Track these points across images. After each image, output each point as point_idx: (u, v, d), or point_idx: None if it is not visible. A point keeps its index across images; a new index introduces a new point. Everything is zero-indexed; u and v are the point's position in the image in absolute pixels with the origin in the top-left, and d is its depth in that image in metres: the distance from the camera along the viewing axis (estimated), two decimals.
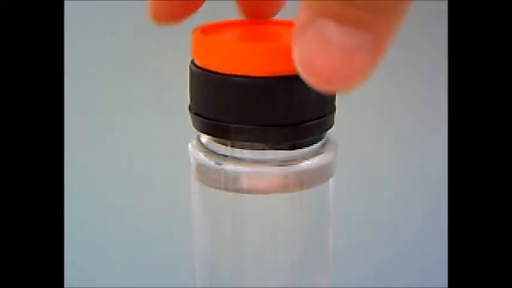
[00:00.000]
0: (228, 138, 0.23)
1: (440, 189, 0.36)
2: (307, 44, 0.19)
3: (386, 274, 0.53)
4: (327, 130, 0.24)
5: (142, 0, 0.25)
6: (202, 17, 0.25)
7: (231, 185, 0.23)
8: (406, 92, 0.53)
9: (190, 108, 0.24)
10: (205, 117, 0.23)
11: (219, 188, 0.24)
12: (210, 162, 0.24)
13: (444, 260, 0.24)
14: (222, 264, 0.25)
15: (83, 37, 0.48)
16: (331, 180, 0.24)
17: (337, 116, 0.24)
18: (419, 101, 0.53)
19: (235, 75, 0.22)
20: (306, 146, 0.23)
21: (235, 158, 0.23)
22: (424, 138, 0.54)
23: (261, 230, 0.24)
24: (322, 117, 0.23)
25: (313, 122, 0.23)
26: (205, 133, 0.23)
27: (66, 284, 0.25)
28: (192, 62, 0.23)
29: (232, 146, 0.23)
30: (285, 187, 0.24)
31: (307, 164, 0.23)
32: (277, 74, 0.22)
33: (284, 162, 0.23)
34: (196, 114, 0.23)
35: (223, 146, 0.23)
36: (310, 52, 0.19)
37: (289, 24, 0.25)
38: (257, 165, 0.23)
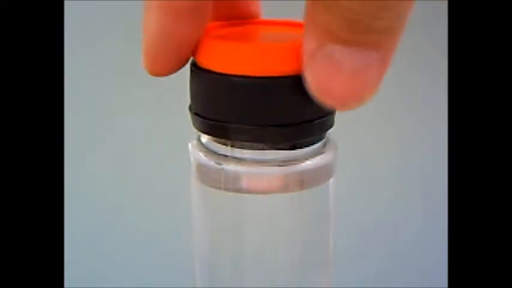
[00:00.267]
0: (228, 138, 0.23)
1: (440, 189, 0.36)
2: (319, 70, 0.20)
3: (386, 274, 0.53)
4: (327, 130, 0.24)
5: (142, 0, 0.25)
6: None
7: (231, 185, 0.23)
8: (406, 92, 0.53)
9: (190, 108, 0.24)
10: (206, 117, 0.23)
11: (219, 188, 0.24)
12: (210, 162, 0.24)
13: (444, 260, 0.24)
14: (222, 264, 0.25)
15: (83, 37, 0.48)
16: (331, 180, 0.24)
17: (337, 116, 0.24)
18: (419, 101, 0.53)
19: (236, 75, 0.22)
20: (306, 146, 0.23)
21: (235, 158, 0.23)
22: (424, 138, 0.54)
23: (261, 230, 0.24)
24: (323, 117, 0.23)
25: (314, 122, 0.23)
26: (205, 133, 0.23)
27: (66, 284, 0.25)
28: (192, 62, 0.23)
29: (232, 146, 0.23)
30: (285, 187, 0.24)
31: (307, 164, 0.23)
32: (278, 74, 0.22)
33: (284, 162, 0.23)
34: (196, 114, 0.23)
35: (224, 146, 0.23)
36: (324, 77, 0.20)
37: (289, 24, 0.25)
38: (257, 165, 0.23)
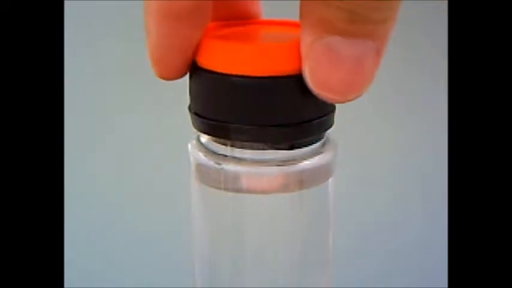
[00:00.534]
0: (228, 138, 0.23)
1: (440, 189, 0.36)
2: (318, 61, 0.20)
3: (386, 274, 0.53)
4: (326, 130, 0.24)
5: (142, 0, 0.25)
6: None
7: (231, 184, 0.23)
8: (406, 92, 0.53)
9: (190, 108, 0.24)
10: (205, 117, 0.23)
11: (219, 188, 0.24)
12: (209, 162, 0.23)
13: (444, 260, 0.24)
14: (222, 264, 0.25)
15: (83, 37, 0.48)
16: (330, 180, 0.24)
17: (337, 116, 0.24)
18: (419, 101, 0.53)
19: (235, 75, 0.22)
20: (306, 146, 0.23)
21: (235, 157, 0.23)
22: (424, 138, 0.54)
23: (261, 230, 0.24)
24: (322, 117, 0.23)
25: (313, 122, 0.23)
26: (205, 133, 0.23)
27: (66, 284, 0.25)
28: (192, 62, 0.23)
29: (232, 146, 0.23)
30: (284, 187, 0.24)
31: (306, 163, 0.23)
32: (277, 74, 0.22)
33: (284, 162, 0.23)
34: (196, 114, 0.23)
35: (223, 146, 0.23)
36: (323, 68, 0.21)
37: (289, 24, 0.25)
38: (257, 165, 0.23)
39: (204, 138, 0.24)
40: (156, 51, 0.23)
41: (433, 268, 0.45)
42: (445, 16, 0.23)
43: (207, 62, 0.23)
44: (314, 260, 0.25)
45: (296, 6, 0.22)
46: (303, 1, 0.20)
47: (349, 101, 0.21)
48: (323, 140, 0.24)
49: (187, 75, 0.24)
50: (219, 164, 0.23)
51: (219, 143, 0.23)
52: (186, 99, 0.24)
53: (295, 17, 0.25)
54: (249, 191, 0.23)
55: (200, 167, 0.24)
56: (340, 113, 0.24)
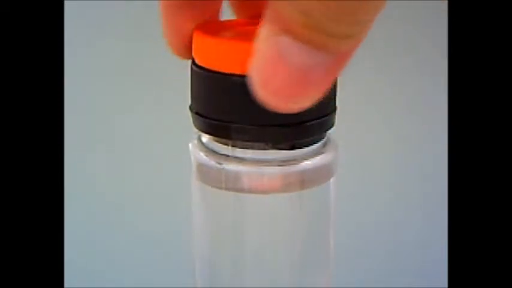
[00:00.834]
0: (229, 138, 0.23)
1: (440, 189, 0.36)
2: (265, 58, 0.19)
3: (386, 274, 0.53)
4: (327, 130, 0.24)
5: (142, 0, 0.25)
6: None
7: (232, 184, 0.23)
8: (406, 92, 0.53)
9: (191, 107, 0.24)
10: (206, 117, 0.23)
11: (220, 188, 0.24)
12: (210, 162, 0.24)
13: (444, 260, 0.24)
14: (222, 264, 0.25)
15: (83, 37, 0.48)
16: (331, 180, 0.24)
17: (338, 116, 0.24)
18: (419, 101, 0.53)
19: (236, 75, 0.22)
20: (307, 146, 0.23)
21: (236, 157, 0.23)
22: (424, 138, 0.54)
23: (261, 230, 0.24)
24: (323, 117, 0.23)
25: (314, 122, 0.23)
26: (206, 133, 0.23)
27: (66, 284, 0.25)
28: (193, 61, 0.23)
29: (233, 146, 0.23)
30: (285, 187, 0.24)
31: (307, 163, 0.23)
32: None
33: (285, 162, 0.23)
34: (197, 113, 0.23)
35: (224, 146, 0.23)
36: (267, 66, 0.19)
37: None
38: (258, 165, 0.23)
39: (205, 138, 0.24)
40: (165, 37, 0.25)
41: (433, 268, 0.45)
42: (445, 16, 0.23)
43: (208, 61, 0.23)
44: (314, 260, 0.25)
45: None
46: None
47: (291, 110, 0.20)
48: (324, 140, 0.24)
49: (187, 75, 0.24)
50: (220, 163, 0.23)
51: (220, 142, 0.23)
52: (186, 99, 0.24)
53: None
54: (250, 191, 0.23)
55: (201, 167, 0.24)
56: (341, 113, 0.24)
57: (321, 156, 0.24)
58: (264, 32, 0.19)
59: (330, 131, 0.24)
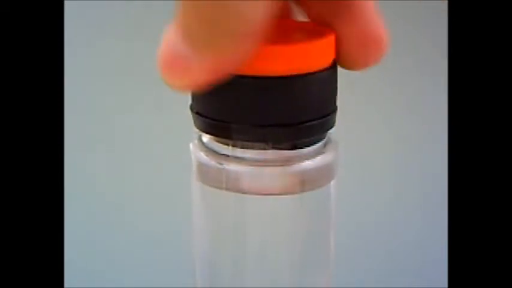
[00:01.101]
0: (230, 138, 0.23)
1: (440, 189, 0.36)
2: (163, 41, 0.21)
3: (386, 274, 0.53)
4: (328, 130, 0.24)
5: (142, 0, 0.25)
6: None
7: (232, 184, 0.23)
8: (406, 92, 0.53)
9: (191, 107, 0.24)
10: (207, 117, 0.23)
11: (220, 188, 0.23)
12: (211, 162, 0.23)
13: (444, 260, 0.24)
14: (222, 264, 0.25)
15: (83, 37, 0.48)
16: (332, 180, 0.24)
17: (338, 116, 0.24)
18: (419, 101, 0.53)
19: (237, 75, 0.22)
20: (307, 146, 0.23)
21: (236, 157, 0.23)
22: (424, 138, 0.54)
23: (262, 231, 0.24)
24: (324, 117, 0.23)
25: (315, 122, 0.23)
26: (206, 133, 0.23)
27: (66, 284, 0.25)
28: None
29: (233, 146, 0.23)
30: (286, 187, 0.24)
31: (308, 164, 0.23)
32: (279, 74, 0.22)
33: (285, 162, 0.23)
34: (197, 113, 0.23)
35: (225, 146, 0.23)
36: (161, 48, 0.21)
37: (290, 24, 0.25)
38: (258, 165, 0.23)
39: (206, 138, 0.24)
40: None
41: (433, 268, 0.45)
42: (445, 16, 0.23)
43: None
44: (315, 260, 0.25)
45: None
46: None
47: (173, 87, 0.22)
48: (325, 140, 0.24)
49: None
50: (220, 163, 0.23)
51: (220, 142, 0.23)
52: (187, 99, 0.24)
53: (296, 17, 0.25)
54: (251, 191, 0.23)
55: (201, 167, 0.24)
56: (341, 113, 0.24)
57: (321, 156, 0.24)
58: (175, 17, 0.21)
59: (330, 131, 0.24)
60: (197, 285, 0.25)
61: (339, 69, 0.23)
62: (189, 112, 0.24)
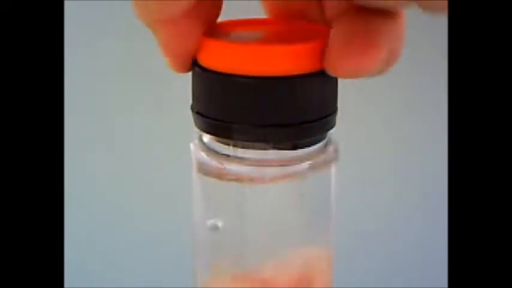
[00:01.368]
0: (231, 138, 0.23)
1: (440, 189, 0.36)
2: None
3: (386, 274, 0.53)
4: (328, 130, 0.24)
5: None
6: None
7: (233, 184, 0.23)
8: (406, 92, 0.53)
9: (192, 107, 0.24)
10: (208, 117, 0.23)
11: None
12: (212, 161, 0.24)
13: (444, 260, 0.24)
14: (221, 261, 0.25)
15: (83, 37, 0.49)
16: (332, 180, 0.24)
17: (338, 116, 0.24)
18: (419, 101, 0.53)
19: (238, 75, 0.22)
20: (308, 146, 0.23)
21: (237, 157, 0.23)
22: (424, 138, 0.54)
23: (262, 226, 0.24)
24: (324, 117, 0.23)
25: (315, 122, 0.23)
26: (207, 133, 0.23)
27: (66, 284, 0.25)
28: (195, 61, 0.23)
29: (234, 146, 0.23)
30: (286, 187, 0.24)
31: (308, 163, 0.23)
32: (280, 74, 0.22)
33: (286, 162, 0.23)
34: (198, 113, 0.23)
35: (226, 146, 0.23)
36: None
37: (291, 24, 0.25)
38: (259, 165, 0.23)
39: (207, 137, 0.24)
40: (166, 55, 0.24)
41: (433, 268, 0.45)
42: (445, 16, 0.23)
43: (209, 62, 0.23)
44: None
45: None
46: None
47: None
48: (325, 140, 0.24)
49: (188, 76, 0.24)
50: (221, 163, 0.23)
51: (221, 142, 0.23)
52: (187, 99, 0.24)
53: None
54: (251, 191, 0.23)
55: (202, 167, 0.24)
56: (341, 114, 0.24)
57: (321, 156, 0.24)
58: None
59: (330, 131, 0.24)
60: (197, 285, 0.25)
61: None
62: (189, 112, 0.24)
